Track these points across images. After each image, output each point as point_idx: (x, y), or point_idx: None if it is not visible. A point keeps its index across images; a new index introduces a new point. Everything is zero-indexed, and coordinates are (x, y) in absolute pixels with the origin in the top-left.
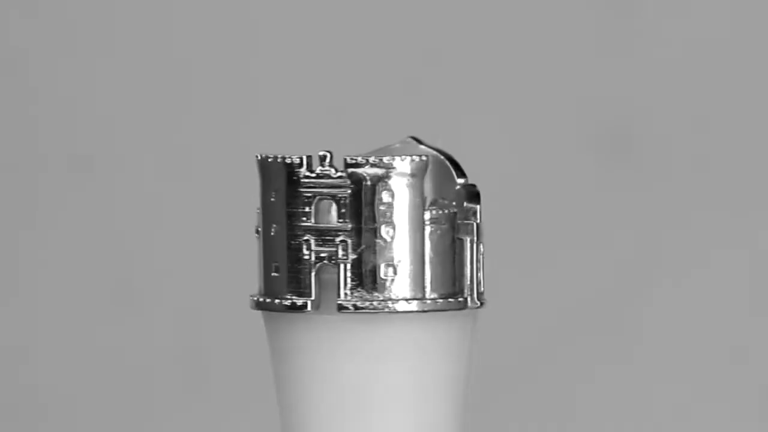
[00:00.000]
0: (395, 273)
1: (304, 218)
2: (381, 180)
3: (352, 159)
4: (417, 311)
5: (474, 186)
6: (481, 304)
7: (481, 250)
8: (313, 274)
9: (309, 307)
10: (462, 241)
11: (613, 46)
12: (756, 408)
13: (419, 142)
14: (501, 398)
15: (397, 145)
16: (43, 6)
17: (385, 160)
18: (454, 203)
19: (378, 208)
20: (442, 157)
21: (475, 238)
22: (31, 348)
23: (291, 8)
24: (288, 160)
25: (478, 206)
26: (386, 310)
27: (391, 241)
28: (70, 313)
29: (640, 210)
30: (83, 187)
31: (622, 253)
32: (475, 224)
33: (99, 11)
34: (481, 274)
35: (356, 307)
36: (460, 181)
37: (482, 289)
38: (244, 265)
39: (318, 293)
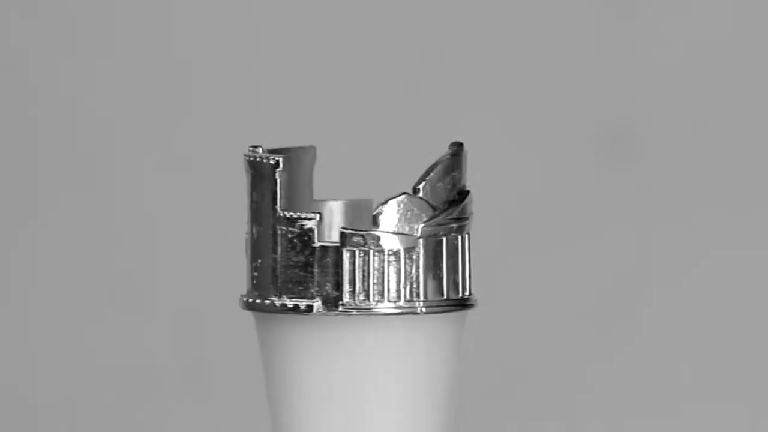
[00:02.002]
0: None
1: None
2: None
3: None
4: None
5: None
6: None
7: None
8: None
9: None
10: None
11: (613, 46)
12: (756, 408)
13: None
14: (500, 398)
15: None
16: (43, 6)
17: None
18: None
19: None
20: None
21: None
22: (27, 349)
23: (291, 7)
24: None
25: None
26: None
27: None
28: (67, 314)
29: (639, 210)
30: (82, 188)
31: (621, 253)
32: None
33: (99, 11)
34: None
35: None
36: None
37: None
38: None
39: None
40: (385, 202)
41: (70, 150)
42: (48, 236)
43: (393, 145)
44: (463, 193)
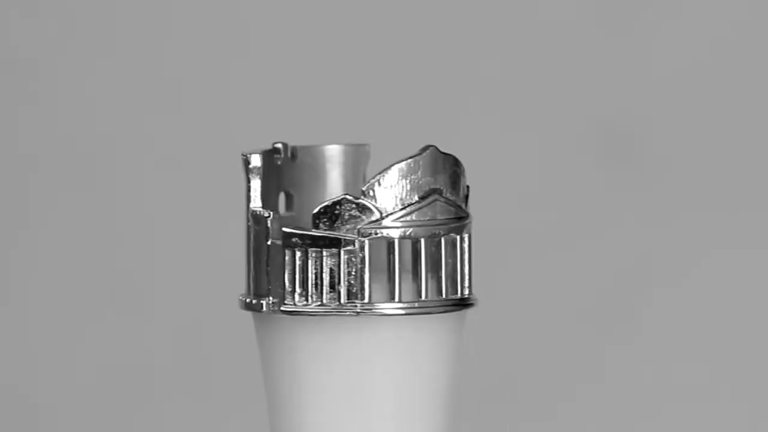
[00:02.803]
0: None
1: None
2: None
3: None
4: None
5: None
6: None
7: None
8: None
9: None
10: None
11: (614, 46)
12: (756, 408)
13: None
14: (499, 399)
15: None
16: (43, 6)
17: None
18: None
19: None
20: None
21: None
22: (27, 349)
23: (291, 7)
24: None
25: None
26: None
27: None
28: (67, 314)
29: (639, 210)
30: (82, 188)
31: (621, 253)
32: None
33: (98, 11)
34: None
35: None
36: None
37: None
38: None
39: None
40: (326, 203)
41: (71, 150)
42: (48, 236)
43: (393, 144)
44: (426, 196)
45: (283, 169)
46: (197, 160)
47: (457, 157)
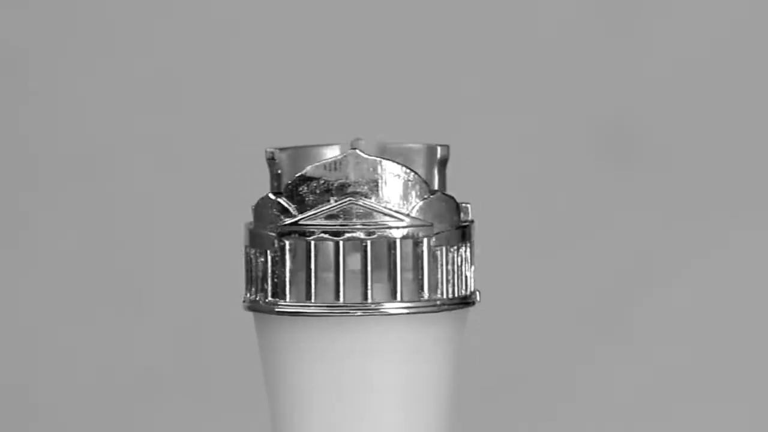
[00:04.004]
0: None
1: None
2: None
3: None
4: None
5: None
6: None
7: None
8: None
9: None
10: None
11: (614, 45)
12: (756, 408)
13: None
14: (499, 398)
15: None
16: (43, 6)
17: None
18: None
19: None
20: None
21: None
22: (27, 349)
23: (291, 6)
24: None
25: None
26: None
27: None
28: (67, 314)
29: (639, 209)
30: (83, 188)
31: (621, 253)
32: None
33: (98, 11)
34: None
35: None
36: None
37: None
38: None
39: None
40: (257, 202)
41: (71, 150)
42: (48, 236)
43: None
44: (342, 198)
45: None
46: (198, 160)
47: (386, 160)
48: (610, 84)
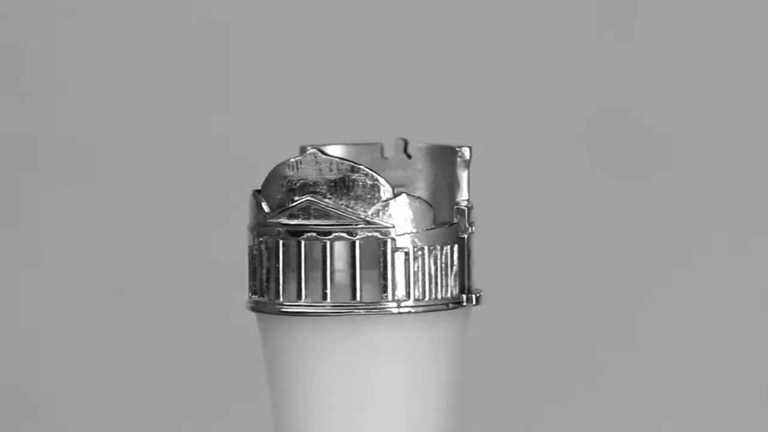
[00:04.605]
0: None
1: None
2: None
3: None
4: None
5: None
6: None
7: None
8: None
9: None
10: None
11: (614, 45)
12: (756, 407)
13: (323, 152)
14: (499, 398)
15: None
16: (43, 6)
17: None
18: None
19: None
20: (348, 164)
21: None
22: (28, 349)
23: (293, 5)
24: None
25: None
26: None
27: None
28: (67, 314)
29: (638, 208)
30: (83, 188)
31: (620, 253)
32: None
33: (98, 11)
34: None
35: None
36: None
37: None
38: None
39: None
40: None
41: (71, 150)
42: (48, 236)
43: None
44: (296, 200)
45: (396, 166)
46: (199, 159)
47: (352, 162)
48: (609, 84)
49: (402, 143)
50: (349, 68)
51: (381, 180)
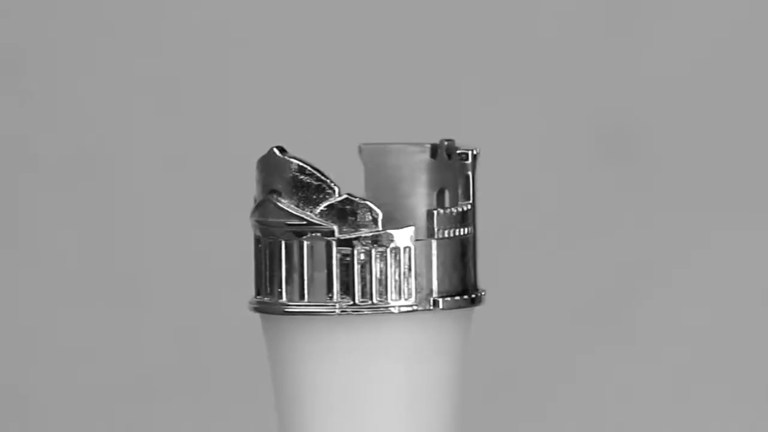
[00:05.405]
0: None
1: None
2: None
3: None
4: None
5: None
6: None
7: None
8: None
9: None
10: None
11: (614, 45)
12: (756, 407)
13: (283, 152)
14: (499, 398)
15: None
16: (43, 6)
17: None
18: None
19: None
20: (310, 170)
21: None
22: (28, 349)
23: (293, 6)
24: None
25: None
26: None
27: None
28: (67, 314)
29: (638, 209)
30: (83, 187)
31: (620, 253)
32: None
33: (98, 12)
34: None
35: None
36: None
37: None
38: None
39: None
40: None
41: (71, 150)
42: (48, 236)
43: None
44: (264, 197)
45: (437, 167)
46: (200, 159)
47: (304, 163)
48: (609, 84)
49: (446, 144)
50: (349, 68)
51: (326, 180)
